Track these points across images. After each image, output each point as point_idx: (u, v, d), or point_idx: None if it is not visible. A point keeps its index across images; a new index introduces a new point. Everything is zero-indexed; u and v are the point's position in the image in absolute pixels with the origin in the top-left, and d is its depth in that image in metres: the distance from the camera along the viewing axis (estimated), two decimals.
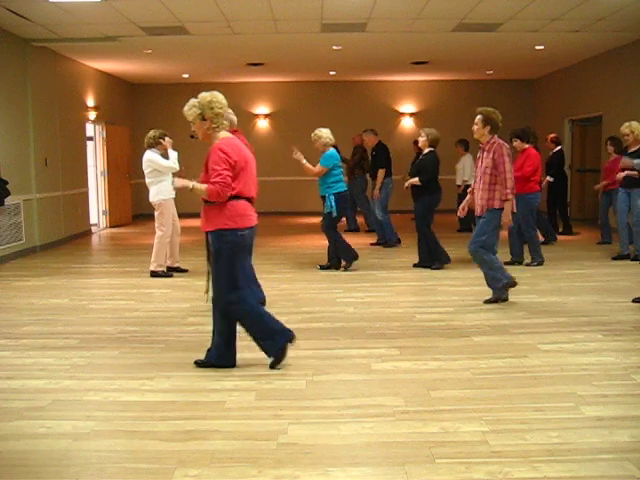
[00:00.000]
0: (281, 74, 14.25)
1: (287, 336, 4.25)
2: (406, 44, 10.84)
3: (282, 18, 8.79)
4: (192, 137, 4.33)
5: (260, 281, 7.38)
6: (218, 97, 4.17)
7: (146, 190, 7.65)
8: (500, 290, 6.03)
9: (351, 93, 15.05)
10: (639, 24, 9.29)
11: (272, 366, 4.27)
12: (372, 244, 10.07)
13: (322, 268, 8.00)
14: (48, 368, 4.34)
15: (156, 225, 7.59)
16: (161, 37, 9.75)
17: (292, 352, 4.68)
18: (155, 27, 9.16)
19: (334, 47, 10.96)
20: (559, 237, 10.32)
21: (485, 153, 6.00)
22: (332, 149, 7.75)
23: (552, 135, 11.01)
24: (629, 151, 7.92)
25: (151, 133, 7.65)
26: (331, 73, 14.21)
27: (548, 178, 10.52)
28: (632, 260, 8.19)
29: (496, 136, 6.02)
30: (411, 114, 15.48)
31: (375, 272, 7.55)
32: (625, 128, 7.87)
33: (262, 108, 15.52)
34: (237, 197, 4.09)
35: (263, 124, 15.50)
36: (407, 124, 15.42)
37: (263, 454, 3.06)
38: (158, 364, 4.43)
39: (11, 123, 9.38)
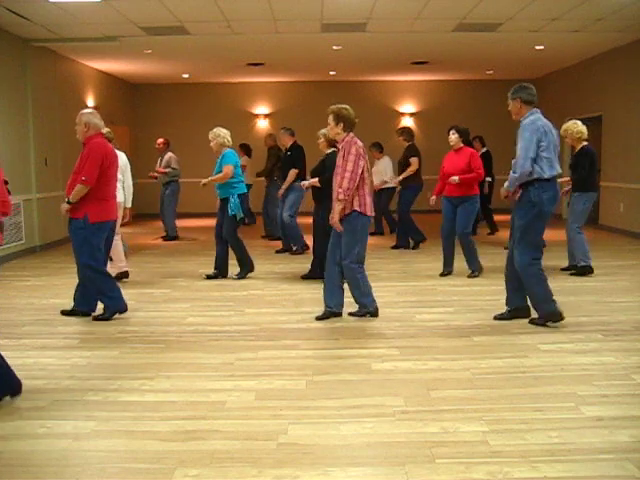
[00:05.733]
0: (281, 74, 14.25)
1: None
2: (406, 44, 10.85)
3: (282, 18, 8.80)
4: None
5: (260, 281, 7.46)
6: None
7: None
8: (362, 311, 5.65)
9: (351, 93, 15.03)
10: (639, 24, 9.29)
11: None
12: (278, 251, 9.49)
13: (211, 276, 7.59)
14: (48, 368, 4.34)
15: None
16: (161, 37, 9.75)
17: (292, 352, 4.69)
18: (155, 27, 9.16)
19: (334, 47, 10.96)
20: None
21: (341, 152, 5.48)
22: (229, 149, 7.44)
23: (478, 136, 10.95)
24: (574, 152, 7.48)
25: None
26: (331, 73, 14.21)
27: (488, 179, 10.42)
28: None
29: (351, 134, 5.48)
30: (411, 114, 15.50)
31: (375, 272, 7.53)
32: (562, 131, 7.25)
33: (262, 108, 15.52)
34: None
35: (263, 124, 15.49)
36: (407, 124, 15.41)
37: (263, 454, 3.06)
38: (158, 364, 4.43)
39: (11, 123, 9.38)
